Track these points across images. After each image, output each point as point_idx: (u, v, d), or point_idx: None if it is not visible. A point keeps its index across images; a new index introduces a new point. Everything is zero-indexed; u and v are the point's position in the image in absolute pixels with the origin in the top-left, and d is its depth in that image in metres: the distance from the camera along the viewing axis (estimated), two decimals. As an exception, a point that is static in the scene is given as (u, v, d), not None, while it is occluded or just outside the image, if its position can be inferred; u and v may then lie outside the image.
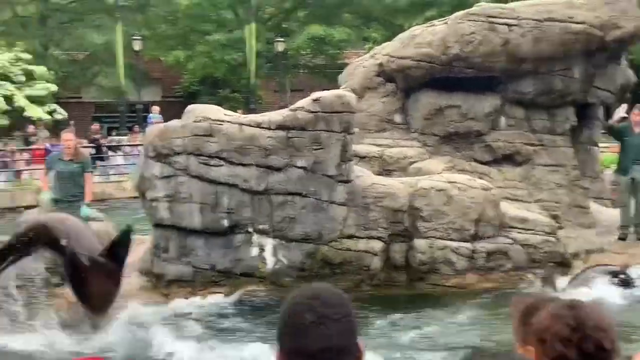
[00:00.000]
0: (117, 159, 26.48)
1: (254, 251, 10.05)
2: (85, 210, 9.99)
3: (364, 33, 41.91)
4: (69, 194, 9.98)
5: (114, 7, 35.38)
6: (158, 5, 39.73)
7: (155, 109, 28.79)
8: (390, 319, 8.90)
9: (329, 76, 38.78)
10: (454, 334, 8.36)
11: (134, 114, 33.33)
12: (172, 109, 35.91)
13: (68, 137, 10.09)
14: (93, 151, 25.20)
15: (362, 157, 12.06)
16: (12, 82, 30.21)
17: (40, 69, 31.79)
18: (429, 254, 10.14)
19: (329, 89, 11.47)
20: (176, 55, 37.53)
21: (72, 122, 30.24)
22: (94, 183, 22.42)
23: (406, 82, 12.75)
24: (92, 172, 10.58)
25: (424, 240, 10.18)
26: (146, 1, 39.34)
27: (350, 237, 10.12)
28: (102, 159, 25.58)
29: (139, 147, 25.78)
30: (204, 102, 14.98)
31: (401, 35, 13.48)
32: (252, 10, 35.30)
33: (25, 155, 24.93)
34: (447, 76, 12.25)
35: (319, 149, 10.06)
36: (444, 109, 12.49)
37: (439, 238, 10.17)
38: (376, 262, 10.07)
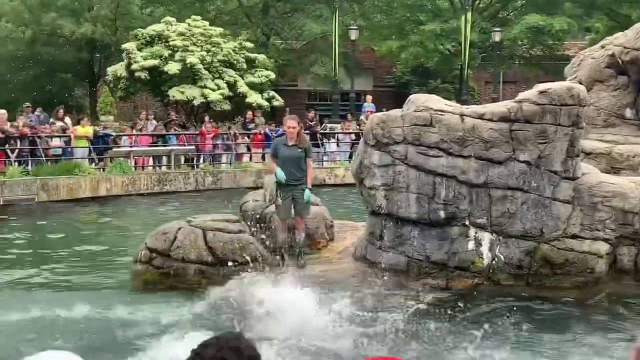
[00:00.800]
0: (330, 146, 27.15)
1: (470, 245, 9.83)
2: (307, 194, 10.27)
3: (585, 23, 39.84)
4: (292, 177, 10.30)
5: (333, -2, 36.28)
6: (375, -4, 40.26)
7: (369, 98, 29.25)
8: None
9: (546, 68, 37.33)
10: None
11: (346, 103, 34.03)
12: (383, 99, 36.46)
13: (292, 124, 10.38)
14: (308, 137, 26.05)
15: (587, 154, 11.43)
16: (236, 69, 31.96)
17: (261, 57, 33.37)
18: (661, 260, 9.39)
19: (545, 81, 10.95)
20: (389, 45, 37.79)
21: (287, 108, 31.51)
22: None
23: (640, 74, 11.90)
24: (312, 157, 10.83)
25: (656, 245, 9.45)
26: (363, -8, 40.00)
27: (574, 237, 9.60)
28: (316, 145, 26.34)
29: (351, 136, 26.36)
30: (415, 92, 14.85)
31: (637, 26, 12.59)
32: (469, 0, 34.67)
33: (246, 139, 26.25)
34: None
35: (544, 143, 9.63)
36: (682, 105, 11.52)
37: (673, 244, 9.39)
38: (601, 265, 9.49)
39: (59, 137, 21.89)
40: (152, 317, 8.61)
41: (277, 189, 10.42)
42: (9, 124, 20.81)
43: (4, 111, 21.68)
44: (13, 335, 7.97)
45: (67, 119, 23.25)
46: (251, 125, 26.79)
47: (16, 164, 20.06)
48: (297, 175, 10.25)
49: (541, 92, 9.70)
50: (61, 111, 23.48)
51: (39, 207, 18.58)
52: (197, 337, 1.55)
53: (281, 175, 10.15)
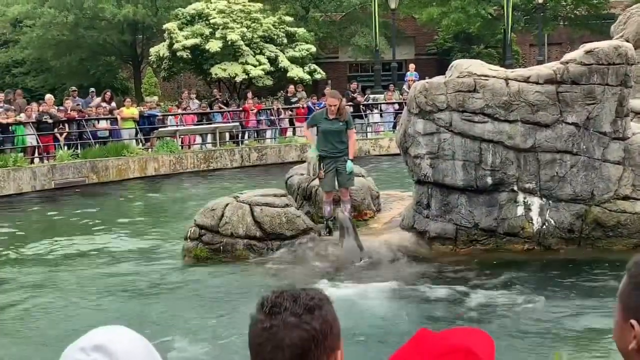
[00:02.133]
0: (374, 116, 27.02)
1: (519, 210, 9.73)
2: (349, 165, 10.25)
3: (631, -21, 38.75)
4: (335, 150, 10.29)
5: (372, -33, 35.88)
6: (413, -38, 39.66)
7: (412, 66, 28.96)
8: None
9: (592, 27, 36.47)
10: None
11: (388, 73, 33.77)
12: (426, 67, 36.04)
13: (333, 102, 10.30)
14: (351, 109, 25.96)
15: (637, 113, 11.17)
16: (276, 44, 31.93)
17: (301, 31, 33.26)
18: None
19: (590, 41, 10.69)
20: (430, 12, 37.25)
21: (329, 81, 31.40)
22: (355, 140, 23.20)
23: (691, 29, 11.54)
24: (354, 128, 10.78)
25: None
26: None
27: (626, 198, 9.44)
28: (359, 117, 26.24)
29: (395, 105, 26.19)
30: (458, 58, 14.63)
31: (685, -22, 12.19)
32: (510, -39, 33.93)
33: (289, 114, 26.28)
34: None
35: (592, 103, 9.45)
36: None
37: None
38: (655, 226, 9.32)
39: (106, 119, 22.20)
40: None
41: (319, 162, 10.43)
42: (56, 108, 21.17)
43: (50, 96, 22.08)
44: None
45: (113, 103, 23.56)
46: (294, 100, 26.79)
47: (65, 147, 20.43)
48: (339, 147, 10.23)
49: (587, 52, 9.51)
50: (108, 93, 23.79)
51: (91, 188, 18.93)
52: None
53: (314, 150, 10.19)
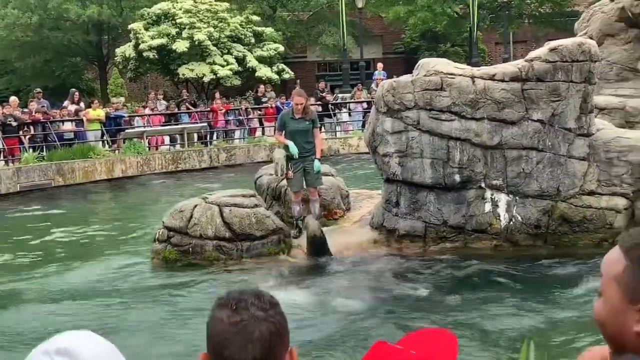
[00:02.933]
0: (342, 116, 27.06)
1: (487, 207, 9.81)
2: (317, 164, 10.24)
3: (594, -23, 39.23)
4: (302, 150, 10.28)
5: (338, -34, 35.94)
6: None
7: (380, 65, 29.07)
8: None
9: (556, 25, 36.90)
10: None
11: (356, 72, 33.85)
12: (393, 66, 36.17)
13: (299, 100, 10.30)
14: (320, 109, 25.94)
15: (601, 109, 11.32)
16: (244, 44, 31.84)
17: (268, 31, 33.20)
18: (680, 212, 9.33)
19: (555, 39, 10.82)
20: (397, 10, 37.42)
21: (298, 80, 31.39)
22: (322, 140, 23.14)
23: (652, 26, 11.72)
24: (320, 127, 10.76)
25: (674, 197, 9.39)
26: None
27: (591, 193, 9.56)
28: (328, 116, 26.25)
29: (363, 104, 26.25)
30: (425, 57, 14.72)
31: (646, -24, 12.37)
32: (475, -40, 34.20)
33: (257, 114, 26.21)
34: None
35: (556, 100, 9.56)
36: (696, 54, 11.37)
37: (692, 195, 9.33)
38: (620, 220, 9.45)
39: (71, 121, 21.94)
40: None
41: (287, 162, 10.41)
42: (20, 110, 20.88)
43: (15, 98, 21.78)
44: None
45: (82, 104, 23.29)
46: (264, 99, 26.73)
47: (30, 150, 20.16)
48: (307, 147, 10.23)
49: (552, 50, 9.61)
50: (77, 94, 23.52)
51: (56, 191, 18.71)
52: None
53: (294, 149, 10.10)
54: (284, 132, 10.41)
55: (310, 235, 9.83)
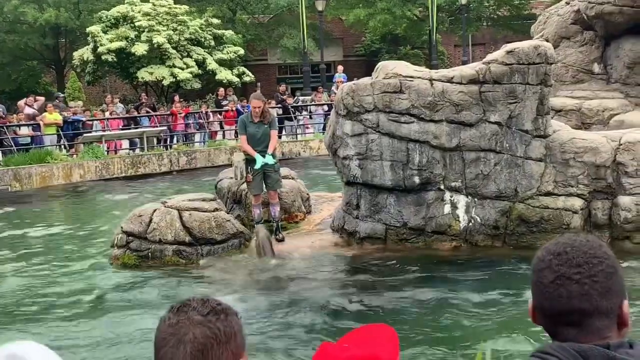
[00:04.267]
0: (303, 118, 27.06)
1: (446, 209, 9.88)
2: (269, 158, 10.15)
3: (551, -20, 39.84)
4: (261, 153, 10.25)
5: (297, -32, 35.93)
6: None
7: (340, 68, 29.16)
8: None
9: (514, 28, 37.39)
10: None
11: (317, 74, 33.89)
12: (354, 68, 36.32)
13: (257, 104, 10.29)
14: (280, 111, 25.92)
15: (557, 111, 11.50)
16: (204, 46, 31.65)
17: (228, 33, 33.07)
18: (634, 211, 9.49)
19: (513, 41, 10.96)
20: (357, 13, 37.56)
21: (259, 83, 31.32)
22: (282, 142, 23.09)
23: (606, 29, 11.93)
24: (279, 130, 10.70)
25: (629, 197, 9.54)
26: (327, -39, 39.59)
27: (548, 194, 9.68)
28: (289, 119, 26.24)
29: (324, 107, 26.28)
30: (385, 60, 14.80)
31: (600, -21, 12.59)
32: (433, -37, 34.48)
33: (218, 117, 26.08)
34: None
35: (513, 102, 9.66)
36: (649, 57, 11.59)
37: (646, 195, 9.49)
38: (576, 220, 9.58)
39: (28, 125, 21.60)
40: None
41: (247, 166, 10.38)
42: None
43: (-31, 102, 21.37)
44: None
45: (35, 106, 22.93)
46: (224, 103, 26.60)
47: (-14, 155, 19.81)
48: (266, 150, 10.20)
49: (508, 52, 9.71)
50: (31, 98, 23.17)
51: (13, 197, 18.39)
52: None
53: (260, 164, 10.07)
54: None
55: (258, 244, 9.85)
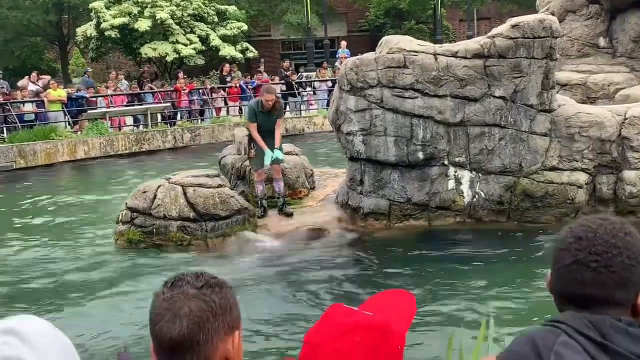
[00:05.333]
0: (307, 94, 26.97)
1: (450, 184, 9.86)
2: (277, 153, 10.18)
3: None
4: (270, 143, 10.26)
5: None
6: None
7: (343, 43, 28.96)
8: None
9: (519, 2, 37.07)
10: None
11: (321, 50, 33.72)
12: (358, 44, 36.11)
13: (270, 97, 10.17)
14: (284, 88, 25.84)
15: (563, 85, 11.43)
16: (207, 22, 31.49)
17: (232, 9, 32.87)
18: (639, 186, 9.47)
19: (518, 15, 10.86)
20: (361, -13, 37.36)
21: (262, 59, 31.18)
22: (286, 118, 23.03)
23: (612, 2, 11.82)
24: (282, 117, 10.64)
25: (634, 171, 9.51)
26: None
27: (553, 169, 9.65)
28: (293, 95, 26.15)
29: (328, 83, 26.18)
30: (389, 35, 14.67)
31: (606, -48, 12.46)
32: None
33: (222, 93, 26.00)
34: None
35: (518, 77, 9.60)
36: (655, 30, 11.49)
37: (651, 170, 9.46)
38: (581, 195, 9.56)
39: (32, 101, 21.57)
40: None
41: (249, 141, 10.35)
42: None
43: (-27, 79, 21.34)
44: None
45: (40, 82, 22.89)
46: (229, 79, 26.51)
47: (-10, 132, 19.83)
48: (270, 136, 10.20)
49: (513, 26, 9.64)
50: (34, 74, 23.12)
51: (19, 173, 18.43)
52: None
53: (268, 159, 10.08)
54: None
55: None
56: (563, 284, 1.64)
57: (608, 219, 1.68)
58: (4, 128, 20.56)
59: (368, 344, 1.64)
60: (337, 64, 26.76)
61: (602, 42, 12.17)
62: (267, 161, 10.10)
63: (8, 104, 20.82)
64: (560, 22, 11.44)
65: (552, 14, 11.68)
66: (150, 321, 1.57)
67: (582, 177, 9.59)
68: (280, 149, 10.31)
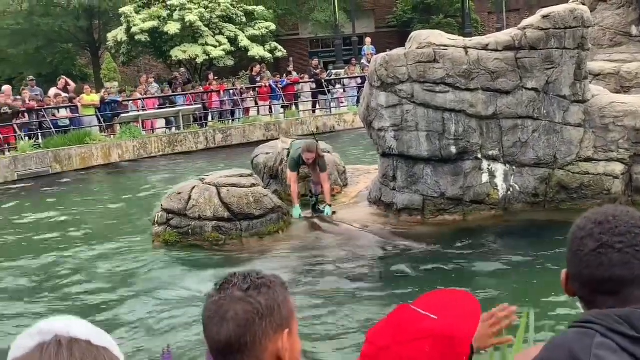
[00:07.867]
0: (337, 92, 26.98)
1: (484, 178, 9.82)
2: (327, 210, 10.21)
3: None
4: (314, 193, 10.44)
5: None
6: None
7: (368, 40, 28.92)
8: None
9: (549, -8, 36.70)
10: None
11: (349, 47, 33.71)
12: (386, 40, 35.99)
13: (309, 156, 10.10)
14: (314, 86, 25.88)
15: (595, 75, 11.30)
16: (235, 23, 31.66)
17: (259, 9, 33.00)
18: (677, 175, 9.34)
19: (548, 6, 10.75)
20: (388, -17, 37.25)
21: (291, 58, 31.26)
22: (316, 116, 23.04)
23: (644, -11, 11.65)
24: (327, 171, 10.46)
25: (671, 161, 9.39)
26: None
27: (588, 160, 9.56)
28: (322, 93, 26.17)
29: (357, 80, 26.16)
30: (418, 30, 14.61)
31: (637, -61, 12.29)
32: None
33: (252, 93, 26.11)
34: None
35: (550, 68, 9.52)
36: (690, 17, 11.32)
37: (688, 158, 9.33)
38: (617, 186, 9.46)
39: (66, 107, 21.87)
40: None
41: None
42: (12, 98, 20.80)
43: (8, 87, 21.67)
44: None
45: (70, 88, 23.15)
46: (259, 79, 26.61)
47: (26, 138, 20.12)
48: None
49: (544, 17, 9.56)
50: (62, 80, 23.40)
51: (55, 178, 18.70)
52: None
53: (297, 213, 10.19)
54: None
55: None
56: (590, 271, 1.66)
57: (617, 205, 1.75)
58: (40, 134, 20.86)
59: (436, 353, 1.64)
60: (363, 61, 26.73)
61: (634, 30, 12.01)
62: (296, 215, 10.17)
63: (43, 110, 21.12)
64: (591, 11, 11.32)
65: (583, 3, 11.56)
66: (203, 323, 1.62)
67: (618, 168, 9.49)
68: (330, 205, 10.28)
